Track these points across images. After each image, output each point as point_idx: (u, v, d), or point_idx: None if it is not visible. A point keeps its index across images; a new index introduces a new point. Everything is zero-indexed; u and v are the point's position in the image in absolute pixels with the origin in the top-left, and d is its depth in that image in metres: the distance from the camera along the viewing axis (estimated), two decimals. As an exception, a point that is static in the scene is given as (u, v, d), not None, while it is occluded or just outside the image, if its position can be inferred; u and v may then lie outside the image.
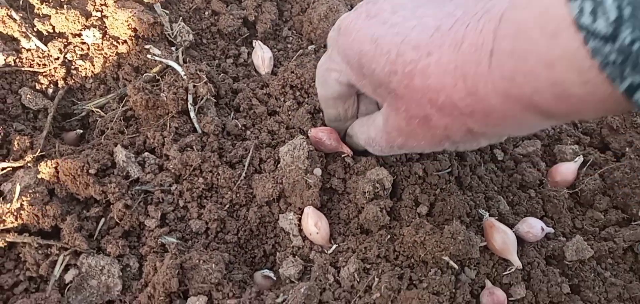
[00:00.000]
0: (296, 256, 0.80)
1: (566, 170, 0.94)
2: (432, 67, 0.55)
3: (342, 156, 0.91)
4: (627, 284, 0.85)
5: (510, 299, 0.79)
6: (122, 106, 0.80)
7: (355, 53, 0.64)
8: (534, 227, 0.83)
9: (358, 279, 0.76)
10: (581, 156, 0.95)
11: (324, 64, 0.75)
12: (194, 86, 0.79)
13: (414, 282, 0.77)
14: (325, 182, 0.87)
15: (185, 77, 0.79)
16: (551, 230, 0.85)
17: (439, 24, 0.55)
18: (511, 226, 0.85)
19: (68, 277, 0.67)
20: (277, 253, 0.82)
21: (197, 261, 0.71)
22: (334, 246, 0.81)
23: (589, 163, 0.96)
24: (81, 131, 0.84)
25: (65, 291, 0.67)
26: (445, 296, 0.74)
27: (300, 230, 0.82)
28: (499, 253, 0.80)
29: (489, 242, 0.81)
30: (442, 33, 0.54)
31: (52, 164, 0.70)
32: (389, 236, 0.80)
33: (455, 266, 0.76)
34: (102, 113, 0.83)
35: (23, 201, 0.68)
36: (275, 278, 0.79)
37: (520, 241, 0.84)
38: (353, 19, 0.66)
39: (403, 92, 0.59)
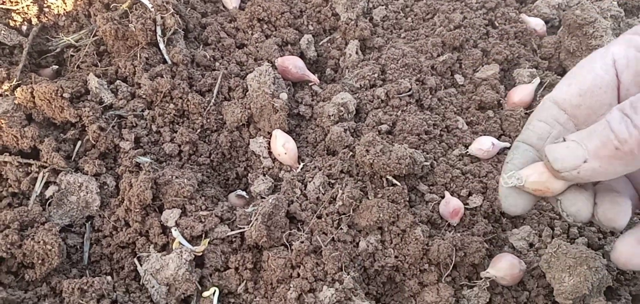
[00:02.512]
0: (266, 176, 0.86)
1: (524, 91, 0.99)
2: None
3: (309, 84, 0.95)
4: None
5: (467, 207, 0.85)
6: (93, 36, 0.84)
7: None
8: (484, 144, 0.88)
9: (323, 192, 0.82)
10: (538, 77, 1.00)
11: None
12: (162, 17, 0.83)
13: (374, 192, 0.83)
14: (293, 109, 0.92)
15: (152, 9, 0.83)
16: (505, 145, 0.90)
17: None
18: (467, 145, 0.90)
19: (48, 193, 0.72)
20: (249, 174, 0.87)
21: (170, 177, 0.76)
22: (301, 165, 0.86)
23: (546, 85, 1.01)
24: (57, 67, 0.88)
25: (46, 205, 0.72)
26: (401, 204, 0.80)
27: (270, 152, 0.88)
28: None
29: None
30: None
31: (27, 90, 0.74)
32: (351, 154, 0.85)
33: (398, 184, 0.81)
34: (75, 45, 0.87)
35: (2, 123, 0.72)
36: (248, 197, 0.85)
37: (476, 158, 0.90)
38: None
39: None
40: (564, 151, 0.52)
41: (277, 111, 0.85)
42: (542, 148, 0.57)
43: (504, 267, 0.79)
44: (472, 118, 0.95)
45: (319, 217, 0.79)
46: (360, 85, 0.94)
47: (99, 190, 0.75)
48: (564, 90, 0.60)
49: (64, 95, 0.75)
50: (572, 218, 0.56)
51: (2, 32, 0.84)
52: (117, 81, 0.83)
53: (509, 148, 0.91)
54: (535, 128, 0.60)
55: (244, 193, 0.85)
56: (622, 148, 0.48)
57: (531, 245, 0.83)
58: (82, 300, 0.65)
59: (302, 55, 0.99)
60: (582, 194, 0.56)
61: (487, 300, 0.79)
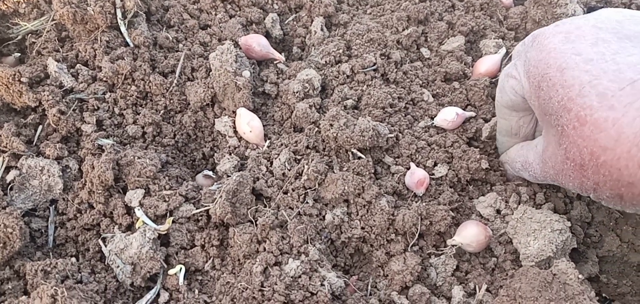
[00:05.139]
0: (232, 155, 0.86)
1: (490, 62, 0.99)
2: (608, 123, 0.51)
3: (274, 62, 0.96)
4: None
5: (433, 177, 0.86)
6: (51, 20, 0.84)
7: (539, 73, 0.61)
8: (448, 115, 0.88)
9: (289, 168, 0.82)
10: (504, 47, 1.00)
11: (506, 69, 0.73)
12: (121, 0, 0.83)
13: (340, 166, 0.83)
14: (259, 87, 0.92)
15: (111, -9, 0.83)
16: (471, 114, 0.91)
17: (637, 79, 0.51)
18: (433, 117, 0.91)
19: (9, 177, 0.72)
20: (215, 154, 0.87)
21: (133, 158, 0.76)
22: (267, 142, 0.87)
23: (511, 55, 1.01)
24: (19, 54, 0.88)
25: (8, 190, 0.72)
26: (366, 177, 0.81)
27: (235, 131, 0.88)
28: None
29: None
30: (636, 90, 0.50)
31: (-16, 76, 0.74)
32: (317, 130, 0.86)
33: (363, 156, 0.82)
34: (36, 32, 0.86)
35: (-40, 110, 0.72)
36: (215, 177, 0.85)
37: (442, 129, 0.91)
38: (549, 35, 0.61)
39: (569, 133, 0.56)
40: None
41: (240, 89, 0.85)
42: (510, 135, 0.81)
43: (470, 234, 0.79)
44: (437, 90, 0.96)
45: (285, 192, 0.80)
46: (326, 61, 0.94)
47: (61, 174, 0.75)
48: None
49: (22, 79, 0.75)
50: None
51: (-40, 20, 0.84)
52: (78, 65, 0.83)
53: (474, 118, 0.92)
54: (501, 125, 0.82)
55: (211, 173, 0.85)
56: None
57: (498, 212, 0.84)
58: (45, 281, 0.65)
59: (267, 35, 0.99)
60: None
61: (454, 267, 0.80)
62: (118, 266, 0.71)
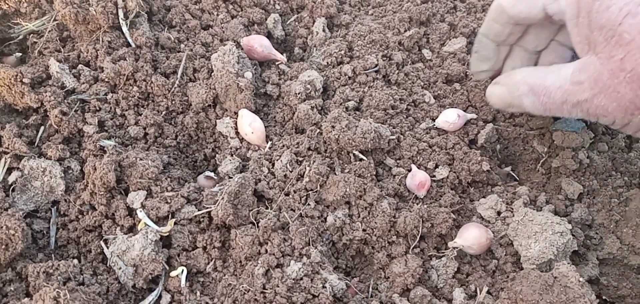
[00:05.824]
0: (234, 156, 0.86)
1: (492, 63, 0.99)
2: None
3: (276, 63, 0.96)
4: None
5: (434, 179, 0.86)
6: (53, 21, 0.84)
7: None
8: (450, 116, 0.89)
9: (291, 169, 0.82)
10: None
11: None
12: (123, 0, 0.83)
13: (342, 167, 0.83)
14: (261, 88, 0.92)
15: (113, -9, 0.83)
16: (472, 116, 0.91)
17: None
18: (434, 118, 0.91)
19: (11, 178, 0.72)
20: (217, 155, 0.87)
21: (134, 159, 0.76)
22: (269, 144, 0.87)
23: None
24: (20, 54, 0.87)
25: (10, 192, 0.72)
26: (367, 179, 0.81)
27: (237, 132, 0.88)
28: None
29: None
30: None
31: (-14, 76, 0.74)
32: (319, 131, 0.86)
33: (365, 158, 0.82)
34: (37, 31, 0.86)
35: (-38, 111, 0.72)
36: (216, 178, 0.85)
37: (443, 131, 0.91)
38: None
39: (631, 38, 0.54)
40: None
41: (242, 90, 0.85)
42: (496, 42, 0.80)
43: (471, 236, 0.80)
44: (439, 92, 0.96)
45: (287, 194, 0.80)
46: (327, 62, 0.94)
47: (63, 175, 0.75)
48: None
49: (23, 80, 0.75)
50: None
51: (-39, 19, 0.84)
52: (80, 65, 0.83)
53: (475, 119, 0.92)
54: (491, 27, 0.78)
55: (212, 174, 0.85)
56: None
57: (499, 213, 0.84)
58: (47, 283, 0.66)
59: (269, 35, 0.99)
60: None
61: (456, 269, 0.80)
62: (120, 268, 0.71)
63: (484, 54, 0.82)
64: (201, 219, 0.77)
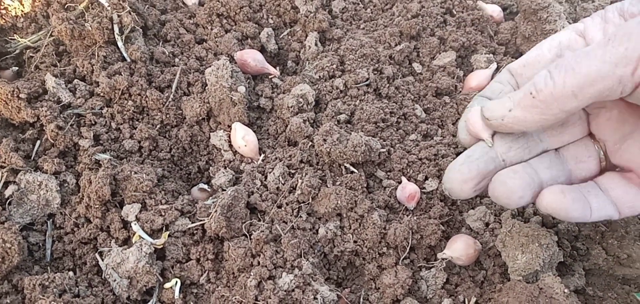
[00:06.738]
0: (227, 168, 0.87)
1: (481, 76, 1.01)
2: None
3: (269, 76, 0.97)
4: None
5: (424, 191, 0.88)
6: (49, 36, 0.85)
7: None
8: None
9: (283, 182, 0.83)
10: (495, 63, 1.02)
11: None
12: (119, 16, 0.85)
13: (333, 180, 0.85)
14: (254, 102, 0.94)
15: (109, 8, 0.85)
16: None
17: None
18: (424, 132, 0.93)
19: (8, 192, 0.74)
20: (211, 168, 0.89)
21: (129, 172, 0.77)
22: (262, 156, 0.88)
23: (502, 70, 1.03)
24: (17, 68, 0.89)
25: (6, 205, 0.73)
26: (358, 191, 0.82)
27: (231, 145, 0.89)
28: None
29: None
30: None
31: (-17, 92, 0.75)
32: (311, 144, 0.87)
33: (356, 171, 0.83)
34: (34, 46, 0.87)
35: (-41, 126, 0.73)
36: (210, 191, 0.86)
37: (432, 143, 0.92)
38: None
39: None
40: (495, 104, 0.61)
41: (236, 104, 0.86)
42: None
43: (459, 247, 0.81)
44: (429, 105, 0.98)
45: (279, 206, 0.81)
46: (320, 76, 0.96)
47: (59, 188, 0.76)
48: (517, 61, 0.71)
49: (20, 95, 0.76)
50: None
51: (-41, 34, 0.85)
52: (75, 80, 0.85)
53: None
54: (492, 86, 0.71)
55: (206, 186, 0.86)
56: (537, 96, 0.54)
57: (487, 225, 0.86)
58: (43, 296, 0.67)
59: (262, 49, 1.00)
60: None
61: (445, 280, 0.81)
62: (115, 280, 0.72)
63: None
64: (195, 232, 0.79)
